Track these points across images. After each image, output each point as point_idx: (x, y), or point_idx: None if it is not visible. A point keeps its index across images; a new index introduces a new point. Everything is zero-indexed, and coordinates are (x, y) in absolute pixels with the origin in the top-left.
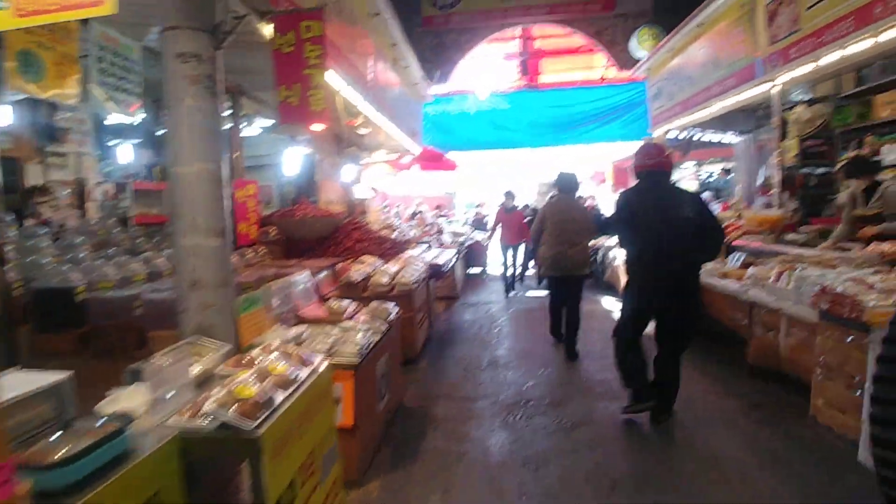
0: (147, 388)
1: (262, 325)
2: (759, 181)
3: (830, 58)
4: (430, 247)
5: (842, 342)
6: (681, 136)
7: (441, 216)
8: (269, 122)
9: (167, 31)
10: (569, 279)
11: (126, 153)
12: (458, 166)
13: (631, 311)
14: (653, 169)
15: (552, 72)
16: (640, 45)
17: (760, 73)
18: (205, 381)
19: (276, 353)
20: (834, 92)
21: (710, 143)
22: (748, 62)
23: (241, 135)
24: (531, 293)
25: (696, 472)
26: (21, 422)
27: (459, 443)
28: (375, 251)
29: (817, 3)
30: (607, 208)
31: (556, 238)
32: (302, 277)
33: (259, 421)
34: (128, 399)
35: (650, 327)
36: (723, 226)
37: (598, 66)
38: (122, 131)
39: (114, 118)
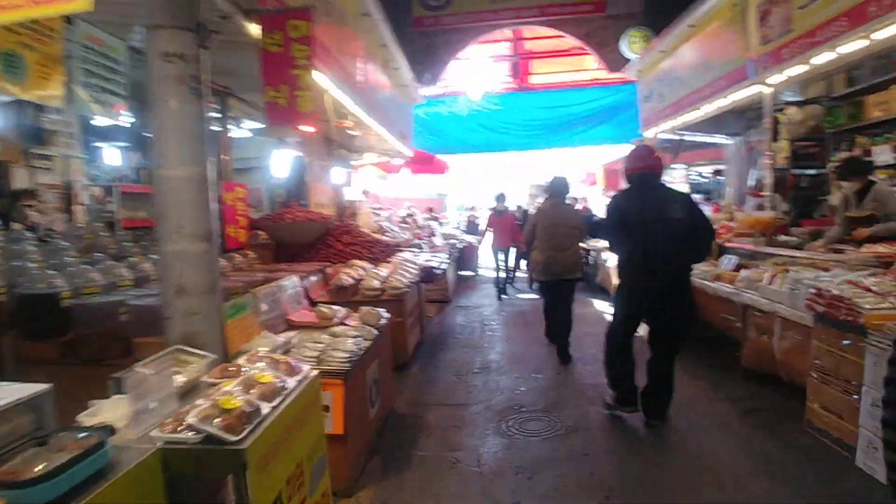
0: (128, 400)
1: (251, 332)
2: (751, 183)
3: (823, 58)
4: (421, 249)
5: (837, 345)
6: (672, 138)
7: (433, 219)
8: (258, 125)
9: (151, 30)
10: (561, 283)
11: (113, 155)
12: (448, 169)
13: (622, 313)
14: (643, 171)
15: (543, 73)
16: (630, 46)
17: (752, 74)
18: (189, 392)
19: (262, 362)
20: (825, 93)
21: (701, 145)
22: (740, 63)
23: (230, 137)
24: (523, 296)
25: (692, 479)
26: None
27: (452, 450)
28: (366, 254)
29: (810, 2)
30: (599, 210)
31: (548, 243)
32: (291, 282)
33: (244, 434)
34: (109, 411)
35: (644, 330)
36: (714, 226)
37: (588, 67)
38: (109, 133)
39: (101, 120)
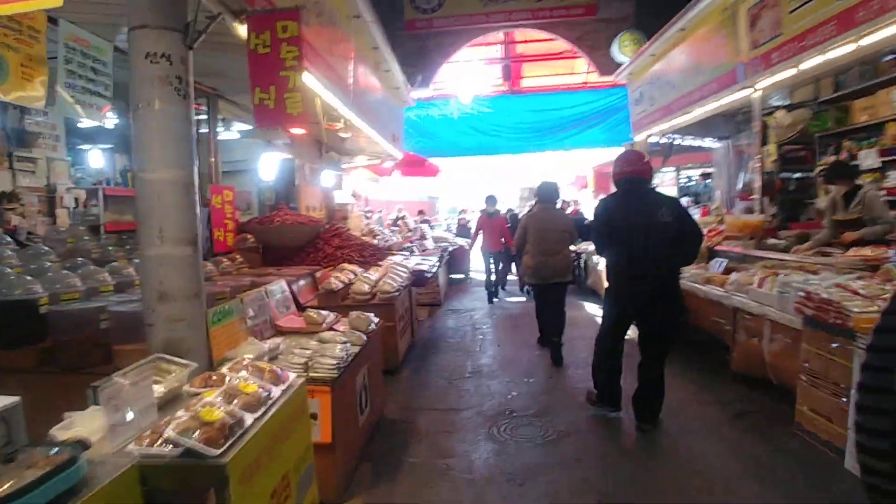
0: (104, 412)
1: (236, 338)
2: (739, 186)
3: (812, 62)
4: (412, 253)
5: (827, 349)
6: (662, 142)
7: (424, 221)
8: (247, 127)
9: (135, 31)
10: (552, 287)
11: (98, 158)
12: (439, 172)
13: (612, 316)
14: (632, 176)
15: (534, 76)
16: (621, 50)
17: (742, 77)
18: (170, 402)
19: (246, 371)
20: (812, 97)
21: (691, 149)
22: (730, 67)
23: (219, 139)
24: (514, 299)
25: (683, 483)
26: None
27: (443, 456)
28: (356, 258)
29: (800, 7)
30: (590, 213)
31: (538, 247)
32: (279, 286)
33: (225, 447)
34: (84, 423)
35: (635, 333)
36: (701, 230)
37: (579, 71)
38: (94, 135)
39: (86, 122)
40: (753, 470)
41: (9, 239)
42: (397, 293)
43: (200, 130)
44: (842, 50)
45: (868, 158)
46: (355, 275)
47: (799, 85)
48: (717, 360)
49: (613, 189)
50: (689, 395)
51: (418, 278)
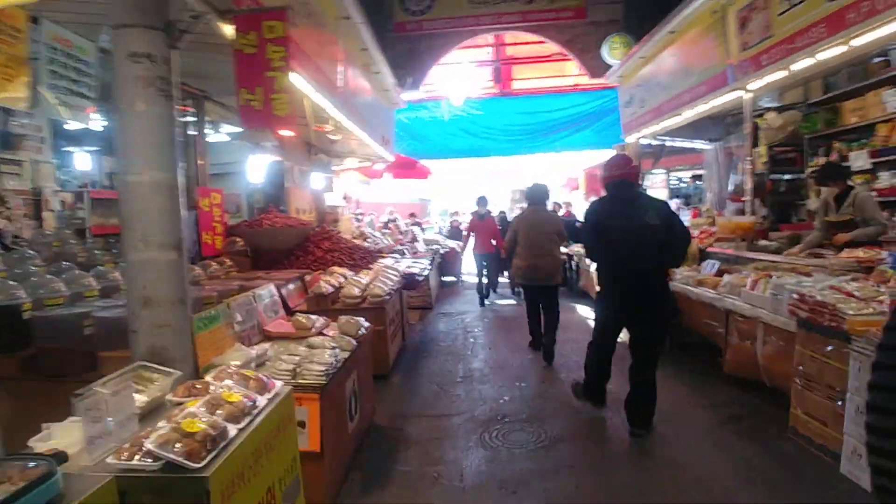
0: (83, 424)
1: (223, 344)
2: (730, 188)
3: (802, 64)
4: (403, 255)
5: (821, 351)
6: (653, 143)
7: (415, 224)
8: (236, 129)
9: (118, 29)
10: (542, 288)
11: (84, 160)
12: (430, 174)
13: (603, 320)
14: (620, 179)
15: (524, 79)
16: (611, 52)
17: (732, 80)
18: (152, 412)
19: (231, 380)
20: (801, 99)
21: (682, 150)
22: (720, 69)
23: (207, 141)
24: (506, 302)
25: (678, 490)
26: None
27: (434, 464)
28: (346, 261)
29: (789, 9)
30: (582, 215)
31: (528, 249)
32: (267, 291)
33: (207, 460)
34: (63, 435)
35: (626, 336)
36: (689, 232)
37: (570, 73)
38: (80, 137)
39: (72, 124)
40: (749, 475)
41: None
42: (388, 297)
43: (188, 132)
44: (832, 52)
45: (859, 160)
46: (345, 278)
47: (789, 87)
48: (709, 362)
49: (604, 192)
50: (682, 397)
51: (409, 281)
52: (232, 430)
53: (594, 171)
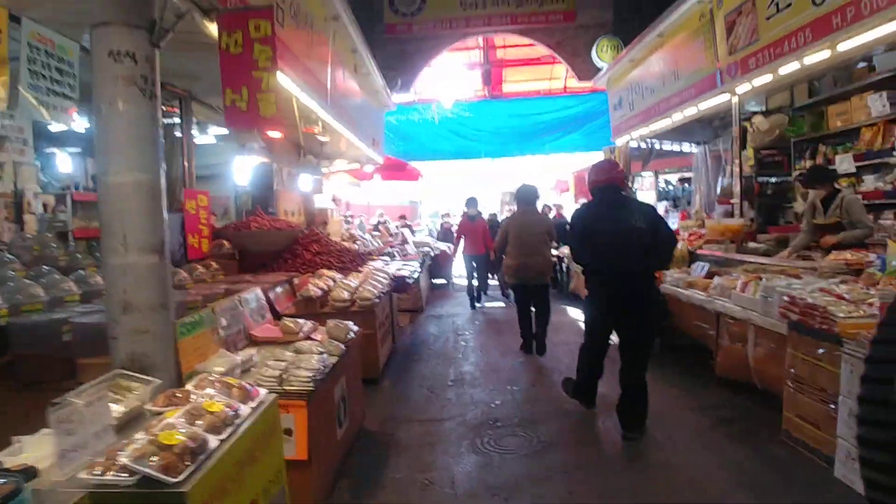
0: (54, 436)
1: (207, 350)
2: (718, 190)
3: (789, 68)
4: (393, 258)
5: (813, 354)
6: (642, 146)
7: (405, 226)
8: (223, 130)
9: (97, 28)
10: (533, 287)
11: (67, 162)
12: (421, 176)
13: (592, 323)
14: (606, 184)
15: (514, 81)
16: (600, 55)
17: (721, 83)
18: (131, 422)
19: (213, 388)
20: (787, 104)
21: (670, 153)
22: (708, 72)
23: (195, 143)
24: (496, 304)
25: (672, 495)
26: None
27: (424, 471)
28: (336, 264)
29: (776, 13)
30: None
31: (519, 249)
32: (254, 294)
33: (186, 473)
34: (34, 448)
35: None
36: (675, 235)
37: (559, 76)
38: (65, 139)
39: (55, 125)
40: (742, 479)
41: None
42: (378, 300)
43: (175, 134)
44: (818, 56)
45: (844, 163)
46: (334, 281)
47: (775, 91)
48: (700, 364)
49: (591, 196)
50: (673, 400)
51: (399, 284)
52: (213, 441)
53: (584, 173)
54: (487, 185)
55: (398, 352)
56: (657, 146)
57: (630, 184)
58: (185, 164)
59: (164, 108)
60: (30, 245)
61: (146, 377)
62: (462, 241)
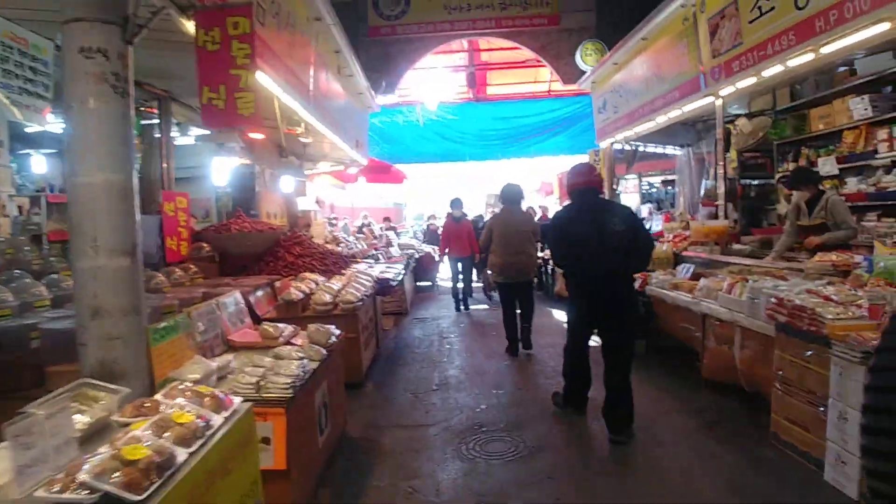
0: (11, 450)
1: (182, 356)
2: (702, 192)
3: (773, 70)
4: (378, 260)
5: (801, 356)
6: (626, 149)
7: (390, 228)
8: (204, 131)
9: (69, 24)
10: (518, 284)
11: (42, 163)
12: (405, 178)
13: (573, 324)
14: (585, 187)
15: (499, 84)
16: (584, 58)
17: (705, 86)
18: (97, 434)
19: (183, 398)
20: (770, 107)
21: (654, 156)
22: (692, 75)
23: (175, 144)
24: (481, 307)
25: (660, 500)
26: None
27: (408, 478)
28: (318, 266)
29: (759, 17)
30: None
31: (504, 248)
32: (233, 298)
33: (150, 490)
34: None
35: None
36: (653, 237)
37: (544, 79)
38: (42, 140)
39: (34, 126)
40: (733, 484)
41: None
42: (361, 303)
43: (154, 135)
44: (802, 59)
45: (826, 165)
46: (317, 284)
47: (757, 94)
48: (686, 366)
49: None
50: (660, 403)
51: (383, 287)
52: (181, 454)
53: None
54: (472, 188)
55: (382, 355)
56: (641, 149)
57: (614, 186)
58: (164, 165)
59: (143, 109)
60: (2, 248)
61: (114, 386)
62: (448, 242)
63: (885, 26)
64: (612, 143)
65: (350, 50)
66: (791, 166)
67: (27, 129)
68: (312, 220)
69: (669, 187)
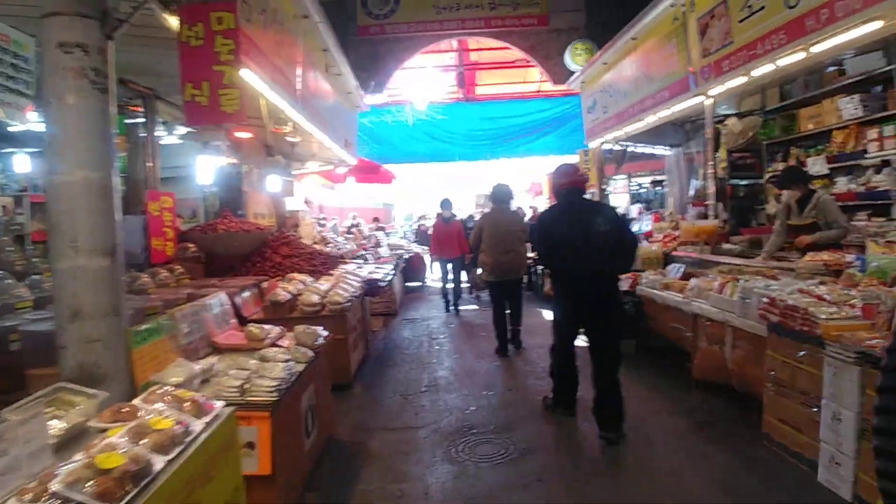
0: None
1: (165, 359)
2: (691, 192)
3: (762, 70)
4: (366, 261)
5: (794, 356)
6: (615, 149)
7: (379, 229)
8: (190, 130)
9: (47, 18)
10: (508, 283)
11: (26, 163)
12: (394, 178)
13: (559, 324)
14: (570, 187)
15: (488, 84)
16: (573, 58)
17: (694, 85)
18: (74, 439)
19: (163, 402)
20: (759, 107)
21: (643, 156)
22: (681, 75)
23: (161, 143)
24: (470, 307)
25: (652, 500)
26: None
27: (397, 482)
28: (306, 267)
29: (749, 16)
30: None
31: (494, 247)
32: (218, 299)
33: (125, 501)
34: None
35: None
36: (637, 237)
37: (533, 79)
38: (25, 139)
39: (17, 125)
40: (724, 484)
41: None
42: (349, 304)
43: (139, 134)
44: (792, 58)
45: (816, 165)
46: (304, 285)
47: (747, 94)
48: (677, 366)
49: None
50: (650, 403)
51: (372, 287)
52: (158, 462)
53: None
54: (462, 188)
55: (371, 357)
56: (630, 149)
57: (604, 186)
58: (150, 164)
59: (127, 107)
60: None
61: (92, 390)
62: (437, 243)
63: (877, 24)
64: (601, 144)
65: (338, 48)
66: (780, 166)
67: (10, 128)
68: (301, 221)
69: (659, 187)
